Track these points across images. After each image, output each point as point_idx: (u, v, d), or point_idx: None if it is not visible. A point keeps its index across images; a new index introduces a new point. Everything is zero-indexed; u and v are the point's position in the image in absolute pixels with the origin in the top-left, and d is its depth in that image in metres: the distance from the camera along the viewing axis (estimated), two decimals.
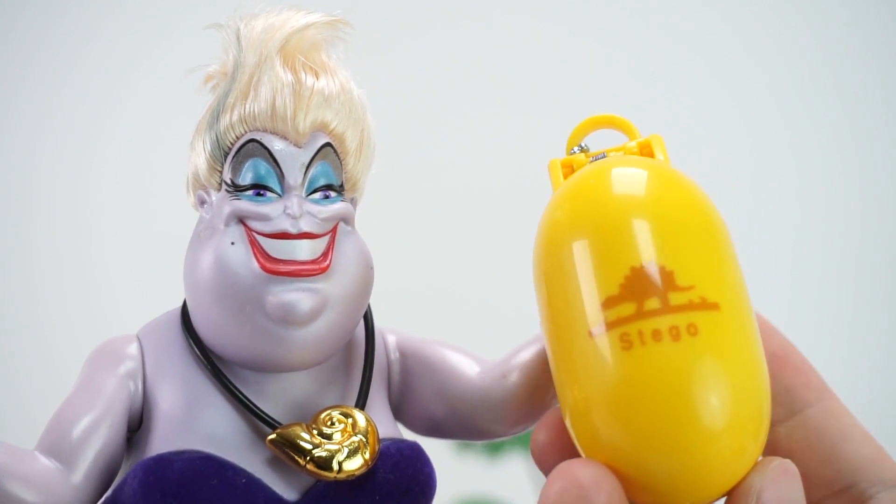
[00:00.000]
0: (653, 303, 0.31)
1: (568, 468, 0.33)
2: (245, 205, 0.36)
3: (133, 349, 0.38)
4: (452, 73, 0.83)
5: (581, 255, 0.33)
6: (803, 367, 0.37)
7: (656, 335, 0.31)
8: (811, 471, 0.35)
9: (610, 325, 0.32)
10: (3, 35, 0.86)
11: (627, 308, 0.32)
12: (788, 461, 0.33)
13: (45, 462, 0.35)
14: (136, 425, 0.37)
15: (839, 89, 0.96)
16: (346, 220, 0.37)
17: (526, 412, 0.40)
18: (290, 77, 0.37)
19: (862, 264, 0.96)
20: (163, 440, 0.36)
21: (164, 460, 0.35)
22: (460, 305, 0.85)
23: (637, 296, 0.32)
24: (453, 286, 0.86)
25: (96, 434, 0.36)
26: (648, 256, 0.32)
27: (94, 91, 0.86)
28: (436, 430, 0.42)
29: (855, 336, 0.94)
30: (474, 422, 0.40)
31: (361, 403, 0.38)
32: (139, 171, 0.83)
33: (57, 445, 0.36)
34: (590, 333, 0.32)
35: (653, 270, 0.32)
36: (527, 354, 0.40)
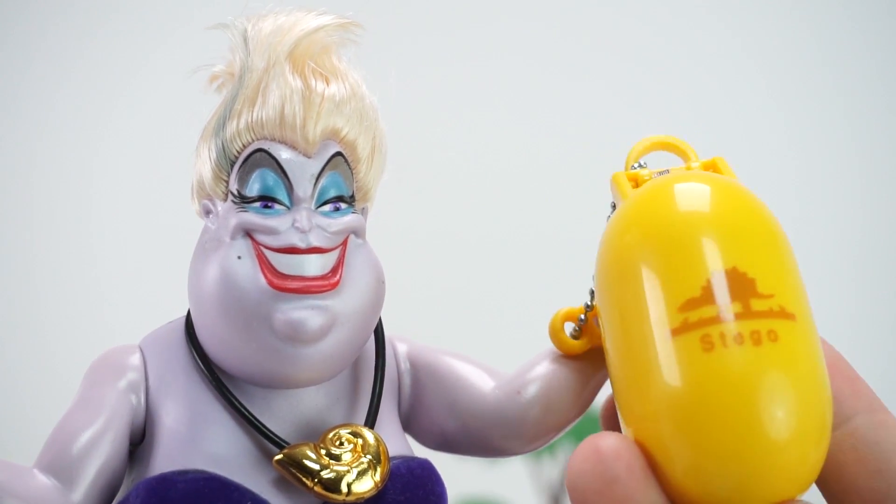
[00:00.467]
0: (735, 307, 0.32)
1: (592, 440, 0.33)
2: (252, 217, 0.35)
3: (135, 360, 0.37)
4: (467, 74, 0.82)
5: (659, 261, 0.33)
6: (852, 377, 0.36)
7: (738, 338, 0.31)
8: (861, 483, 0.34)
9: (691, 327, 0.32)
10: (3, 36, 0.85)
11: (710, 310, 0.32)
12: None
13: (43, 480, 0.34)
14: (139, 439, 0.36)
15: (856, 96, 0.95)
16: (357, 232, 0.36)
17: (541, 429, 0.39)
18: (299, 83, 0.36)
19: (861, 266, 0.95)
20: (166, 458, 0.35)
21: (168, 481, 0.34)
22: (473, 309, 0.84)
23: (719, 299, 0.32)
24: (466, 290, 0.85)
25: (97, 450, 0.35)
26: (731, 262, 0.32)
27: (98, 92, 0.85)
28: (447, 445, 0.40)
29: (854, 337, 0.93)
30: (487, 438, 0.39)
31: (371, 422, 0.37)
32: (145, 173, 0.82)
33: (56, 462, 0.35)
34: (669, 334, 0.32)
35: (735, 276, 0.32)
36: (542, 369, 0.39)
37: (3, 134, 0.86)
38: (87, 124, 0.86)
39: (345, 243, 0.36)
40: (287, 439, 0.35)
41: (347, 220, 0.36)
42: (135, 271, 0.85)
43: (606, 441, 0.33)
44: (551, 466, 0.81)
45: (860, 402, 0.35)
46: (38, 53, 0.85)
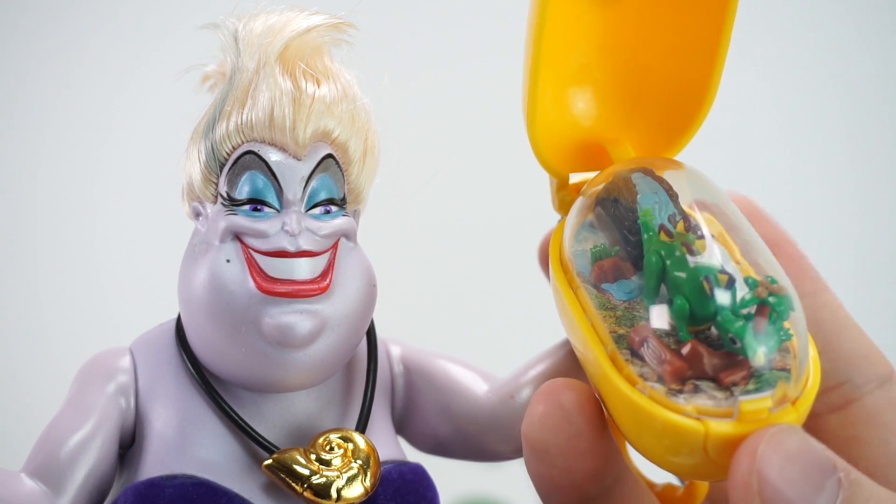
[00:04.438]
0: None
1: (553, 392, 0.33)
2: (241, 220, 0.34)
3: (125, 363, 0.36)
4: (463, 74, 0.81)
5: None
6: (798, 257, 0.36)
7: None
8: None
9: None
10: None
11: None
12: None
13: (30, 485, 0.34)
14: (129, 442, 0.36)
15: (840, 89, 0.95)
16: (348, 235, 0.36)
17: None
18: (289, 85, 0.35)
19: (859, 266, 0.95)
20: (155, 462, 0.35)
21: (156, 486, 0.34)
22: (467, 312, 0.84)
23: None
24: (460, 292, 0.85)
25: (86, 454, 0.35)
26: None
27: (90, 92, 0.85)
28: (440, 448, 0.40)
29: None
30: (481, 442, 0.39)
31: (362, 427, 0.36)
32: (139, 174, 0.81)
33: (44, 467, 0.34)
34: None
35: None
36: (535, 373, 0.39)
37: None
38: (79, 124, 0.85)
39: (335, 246, 0.35)
40: (277, 444, 0.35)
41: (338, 222, 0.35)
42: (130, 271, 0.85)
43: (568, 395, 0.33)
44: None
45: (807, 284, 0.35)
46: (30, 52, 0.85)
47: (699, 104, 0.37)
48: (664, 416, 0.30)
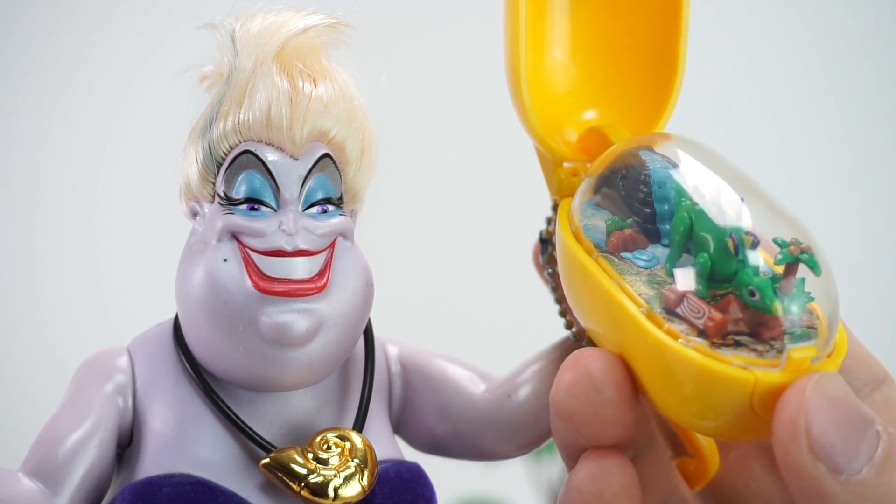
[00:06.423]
0: None
1: (579, 359, 0.33)
2: (238, 220, 0.35)
3: (123, 362, 0.37)
4: (460, 74, 0.81)
5: None
6: None
7: None
8: None
9: None
10: None
11: None
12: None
13: (28, 484, 0.34)
14: (127, 441, 0.36)
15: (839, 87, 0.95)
16: (345, 234, 0.36)
17: (532, 432, 0.39)
18: (286, 84, 0.35)
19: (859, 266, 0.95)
20: (152, 461, 0.35)
21: (153, 485, 0.34)
22: (464, 312, 0.84)
23: None
24: (457, 292, 0.85)
25: (84, 453, 0.35)
26: None
27: (88, 92, 0.85)
28: (438, 448, 0.40)
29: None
30: (478, 442, 0.39)
31: (359, 426, 0.36)
32: (138, 174, 0.82)
33: (42, 466, 0.34)
34: None
35: None
36: (532, 372, 0.39)
37: None
38: (77, 124, 0.85)
39: (332, 245, 0.35)
40: (275, 443, 0.35)
41: (335, 222, 0.36)
42: (128, 270, 0.85)
43: (596, 363, 0.33)
44: (551, 466, 0.81)
45: None
46: (29, 53, 0.85)
47: (670, 77, 0.39)
48: (712, 366, 0.31)
